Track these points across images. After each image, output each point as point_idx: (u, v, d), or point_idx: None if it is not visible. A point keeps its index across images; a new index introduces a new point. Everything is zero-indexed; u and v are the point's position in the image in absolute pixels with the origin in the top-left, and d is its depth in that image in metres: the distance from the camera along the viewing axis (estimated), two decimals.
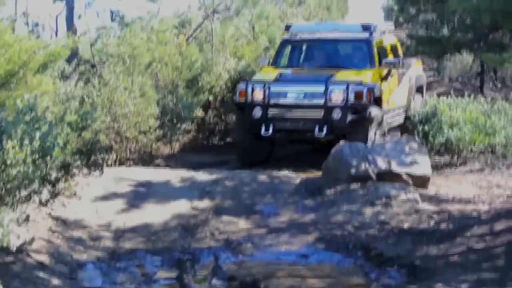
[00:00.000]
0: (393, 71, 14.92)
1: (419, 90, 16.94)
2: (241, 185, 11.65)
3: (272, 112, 13.67)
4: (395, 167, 11.46)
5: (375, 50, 14.71)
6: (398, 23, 22.67)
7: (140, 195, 11.09)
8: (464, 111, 13.92)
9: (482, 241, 9.01)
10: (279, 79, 14.05)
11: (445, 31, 18.16)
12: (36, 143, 6.72)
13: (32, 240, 8.88)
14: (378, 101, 14.01)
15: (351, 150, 11.58)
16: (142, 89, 13.77)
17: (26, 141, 6.63)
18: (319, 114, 13.51)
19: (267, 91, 13.68)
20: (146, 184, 11.46)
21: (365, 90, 13.49)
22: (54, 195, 8.45)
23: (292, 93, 13.67)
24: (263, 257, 9.30)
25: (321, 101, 13.49)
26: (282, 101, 13.68)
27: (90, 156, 8.73)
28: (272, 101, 13.67)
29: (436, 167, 13.52)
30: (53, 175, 8.01)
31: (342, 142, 12.07)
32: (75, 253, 9.13)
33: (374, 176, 11.32)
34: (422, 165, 11.69)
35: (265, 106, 13.68)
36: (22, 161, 6.67)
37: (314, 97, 13.57)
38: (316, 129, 13.39)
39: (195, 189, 11.36)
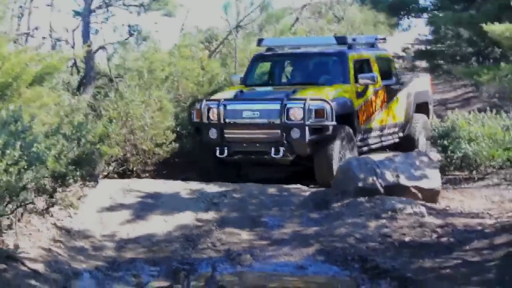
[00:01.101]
0: (382, 88, 14.14)
1: (422, 107, 15.72)
2: (249, 197, 11.68)
3: (228, 132, 12.83)
4: (404, 181, 11.42)
5: (349, 64, 13.64)
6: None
7: (147, 206, 11.17)
8: (482, 126, 13.83)
9: (478, 255, 8.95)
10: (237, 97, 13.12)
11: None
12: (17, 153, 6.81)
13: (31, 248, 9.03)
14: (349, 119, 13.11)
15: (358, 163, 11.58)
16: (160, 103, 13.88)
17: (8, 151, 6.73)
18: (275, 134, 12.55)
19: (222, 110, 12.76)
20: (154, 196, 11.54)
21: (327, 107, 12.39)
22: (51, 204, 8.52)
23: (248, 112, 12.72)
24: (261, 268, 9.31)
25: (277, 120, 12.49)
26: (238, 120, 12.79)
27: (85, 167, 8.78)
28: (228, 121, 12.77)
29: (454, 182, 13.45)
30: (46, 185, 8.08)
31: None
32: (74, 262, 9.25)
33: (381, 190, 11.29)
34: (432, 179, 11.63)
35: (220, 126, 12.81)
36: (3, 171, 6.76)
37: (270, 116, 12.59)
38: (272, 150, 12.52)
39: (202, 201, 11.40)
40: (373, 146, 14.15)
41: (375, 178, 11.35)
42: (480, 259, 8.78)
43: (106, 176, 11.66)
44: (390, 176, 11.43)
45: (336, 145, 12.55)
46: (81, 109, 9.48)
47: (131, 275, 9.12)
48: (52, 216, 10.24)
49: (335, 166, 12.32)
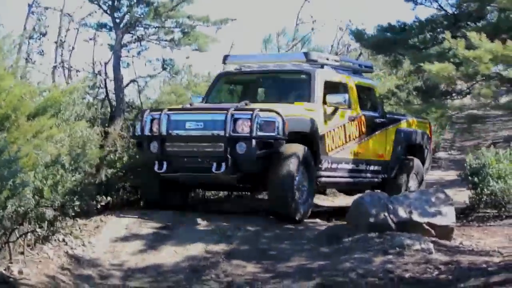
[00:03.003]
0: (360, 117, 13.24)
1: (416, 151, 14.73)
2: (263, 230, 11.81)
3: (169, 146, 11.77)
4: (416, 217, 11.43)
5: (317, 84, 12.62)
6: None
7: (160, 237, 11.39)
8: (511, 163, 13.76)
9: None
10: (183, 108, 12.17)
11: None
12: None
13: (35, 275, 9.32)
14: (311, 142, 12.05)
15: (371, 199, 11.63)
16: None
17: None
18: (219, 147, 11.48)
19: (165, 121, 11.68)
20: (169, 227, 11.75)
21: (278, 120, 11.33)
22: (51, 233, 8.82)
23: (192, 123, 11.64)
24: None
25: (221, 132, 11.41)
26: (180, 132, 11.72)
27: (83, 197, 9.07)
28: (170, 133, 11.72)
29: (481, 220, 13.43)
30: (45, 214, 8.39)
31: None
32: None
33: (393, 226, 11.33)
34: (446, 215, 11.61)
35: (162, 138, 11.72)
36: None
37: (214, 127, 11.51)
38: (214, 165, 11.39)
39: (216, 233, 11.56)
40: (342, 180, 13.17)
41: (386, 214, 11.39)
42: None
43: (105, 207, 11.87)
44: (402, 212, 11.45)
45: (291, 166, 11.51)
46: (92, 140, 9.77)
47: None
48: (66, 244, 10.57)
49: (289, 193, 11.48)
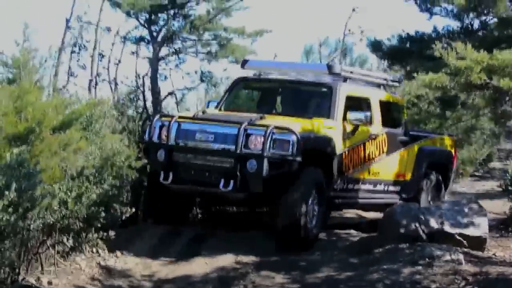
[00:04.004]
0: (381, 135, 12.59)
1: (439, 169, 13.91)
2: None
3: (176, 156, 11.20)
4: (448, 228, 11.38)
5: (339, 99, 11.94)
6: None
7: (191, 248, 11.52)
8: None
9: None
10: (195, 117, 11.48)
11: None
12: (12, 194, 7.35)
13: (64, 286, 9.52)
14: (326, 162, 11.44)
15: (402, 210, 11.62)
16: None
17: (7, 192, 7.29)
18: (229, 163, 10.89)
19: (174, 130, 11.17)
20: (200, 238, 11.87)
21: (292, 138, 10.70)
22: (78, 245, 9.01)
23: (202, 134, 11.08)
24: None
25: (232, 147, 10.84)
26: (190, 143, 11.16)
27: (108, 209, 9.25)
28: (178, 142, 11.19)
29: None
30: (71, 225, 8.58)
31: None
32: None
33: (424, 236, 11.30)
34: (479, 226, 11.55)
35: (170, 147, 11.18)
36: (2, 210, 7.31)
37: (225, 141, 10.93)
38: (222, 182, 10.82)
39: (248, 244, 11.64)
40: (358, 202, 12.57)
41: (417, 225, 11.36)
42: None
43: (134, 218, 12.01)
44: (434, 223, 11.41)
45: (305, 190, 10.96)
46: (122, 153, 9.93)
47: None
48: (99, 255, 10.76)
49: (301, 221, 10.88)
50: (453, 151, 14.42)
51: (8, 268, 8.39)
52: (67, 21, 14.59)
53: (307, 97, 12.48)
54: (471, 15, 10.31)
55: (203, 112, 11.66)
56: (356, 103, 12.25)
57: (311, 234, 11.31)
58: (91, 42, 15.09)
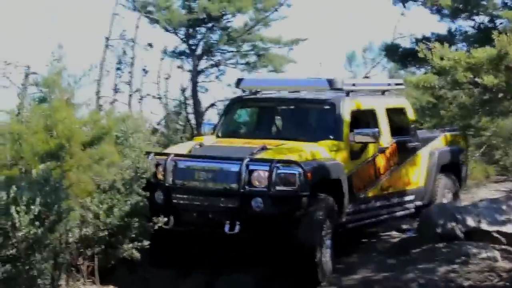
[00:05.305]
0: (391, 145, 11.72)
1: (451, 170, 13.14)
2: None
3: (176, 197, 10.33)
4: (485, 226, 11.38)
5: (343, 116, 11.05)
6: None
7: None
8: None
9: None
10: (191, 153, 10.70)
11: None
12: (37, 208, 7.67)
13: None
14: (335, 188, 10.53)
15: (439, 210, 11.66)
16: None
17: (32, 206, 7.62)
18: (232, 203, 10.05)
19: (170, 169, 10.33)
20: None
21: (299, 172, 9.81)
22: (113, 256, 9.32)
23: (201, 173, 10.24)
24: None
25: (235, 185, 10.02)
26: (189, 183, 10.31)
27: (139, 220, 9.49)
28: (177, 183, 10.34)
29: None
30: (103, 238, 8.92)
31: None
32: None
33: (461, 235, 11.32)
34: None
35: (168, 188, 10.31)
36: (29, 224, 7.65)
37: (227, 179, 10.08)
38: (227, 225, 9.96)
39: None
40: (371, 221, 11.69)
41: (454, 224, 11.38)
42: None
43: None
44: (471, 221, 11.42)
45: (315, 225, 10.11)
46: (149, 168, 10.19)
47: None
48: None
49: (313, 258, 10.01)
50: (465, 146, 13.70)
51: (46, 280, 8.62)
52: (107, 39, 14.94)
53: (309, 116, 11.78)
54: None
55: (200, 145, 10.90)
56: (361, 117, 11.50)
57: (324, 267, 10.37)
58: (132, 58, 15.34)
